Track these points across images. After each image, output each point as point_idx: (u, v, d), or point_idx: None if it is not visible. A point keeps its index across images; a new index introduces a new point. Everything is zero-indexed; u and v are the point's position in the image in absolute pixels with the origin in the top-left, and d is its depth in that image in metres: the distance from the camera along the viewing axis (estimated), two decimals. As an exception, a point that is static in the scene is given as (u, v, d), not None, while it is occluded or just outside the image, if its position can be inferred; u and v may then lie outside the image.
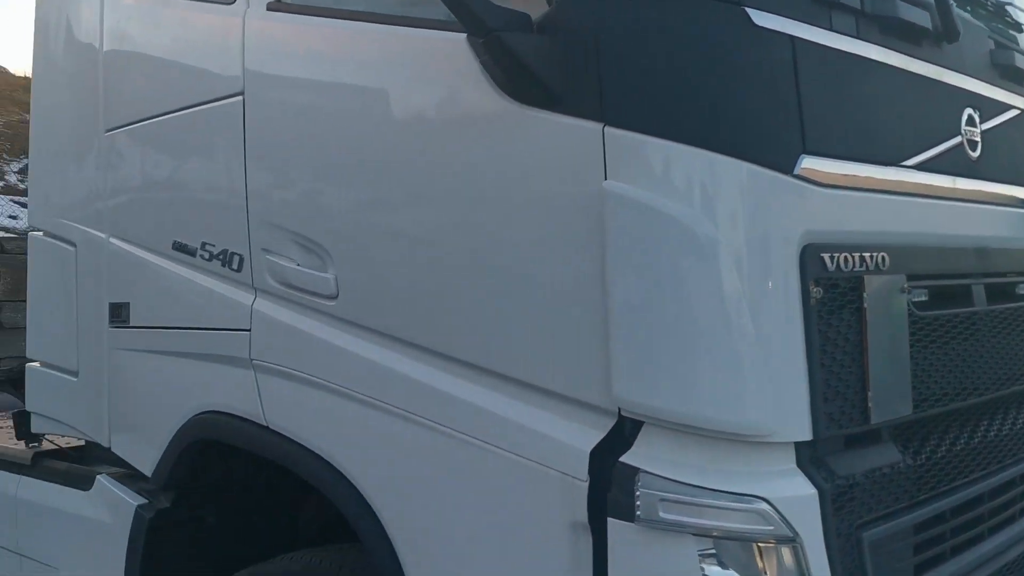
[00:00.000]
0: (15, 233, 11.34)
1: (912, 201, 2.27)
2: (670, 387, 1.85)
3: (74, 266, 3.37)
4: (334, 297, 2.42)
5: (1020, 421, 2.68)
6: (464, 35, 2.03)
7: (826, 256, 1.96)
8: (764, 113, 1.91)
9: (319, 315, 2.46)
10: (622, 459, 1.88)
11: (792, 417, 1.89)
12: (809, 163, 1.94)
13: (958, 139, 2.46)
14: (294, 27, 2.51)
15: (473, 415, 2.11)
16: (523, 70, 1.95)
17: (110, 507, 3.15)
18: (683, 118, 1.87)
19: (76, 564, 3.35)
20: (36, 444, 3.72)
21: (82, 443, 3.58)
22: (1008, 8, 2.95)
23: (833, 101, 2.05)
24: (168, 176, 3.00)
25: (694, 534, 1.82)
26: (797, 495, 1.89)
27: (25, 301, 9.08)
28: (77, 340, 3.36)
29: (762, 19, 1.91)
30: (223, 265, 2.74)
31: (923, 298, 2.24)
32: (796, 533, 1.87)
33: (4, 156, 13.92)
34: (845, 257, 1.99)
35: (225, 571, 2.99)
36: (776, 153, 1.90)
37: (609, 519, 1.88)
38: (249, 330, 2.65)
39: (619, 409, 1.91)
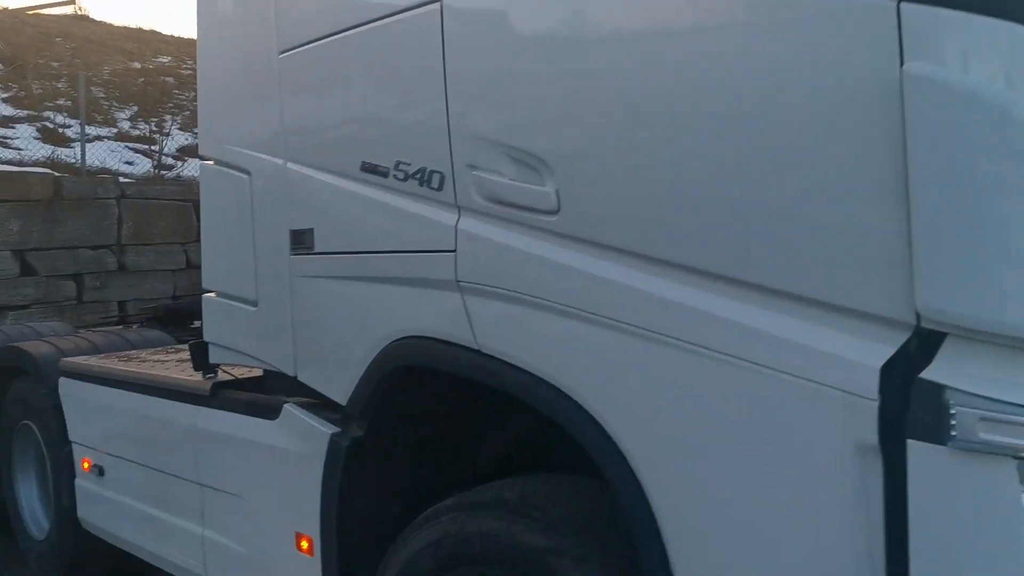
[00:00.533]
0: (133, 178, 11.57)
1: None
2: (986, 293, 1.64)
3: (249, 194, 3.30)
4: (555, 212, 2.26)
5: None
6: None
7: None
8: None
9: (537, 231, 2.31)
10: (922, 375, 1.69)
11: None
12: None
13: None
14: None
15: (734, 333, 1.94)
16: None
17: (300, 436, 3.11)
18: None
19: (262, 493, 3.34)
20: (212, 375, 3.71)
21: (259, 373, 3.55)
22: None
23: None
24: (353, 95, 2.86)
25: (1015, 456, 1.63)
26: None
27: (148, 244, 9.24)
28: (256, 269, 3.30)
29: None
30: (420, 184, 2.61)
31: None
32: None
33: (114, 104, 14.16)
34: None
35: (411, 502, 2.94)
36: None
37: (909, 441, 1.70)
38: (454, 251, 2.52)
39: (917, 321, 1.71)
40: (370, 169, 2.76)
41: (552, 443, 2.74)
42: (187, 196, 11.40)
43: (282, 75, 3.11)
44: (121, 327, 5.87)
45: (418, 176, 2.61)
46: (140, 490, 4.09)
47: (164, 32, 20.76)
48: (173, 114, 14.95)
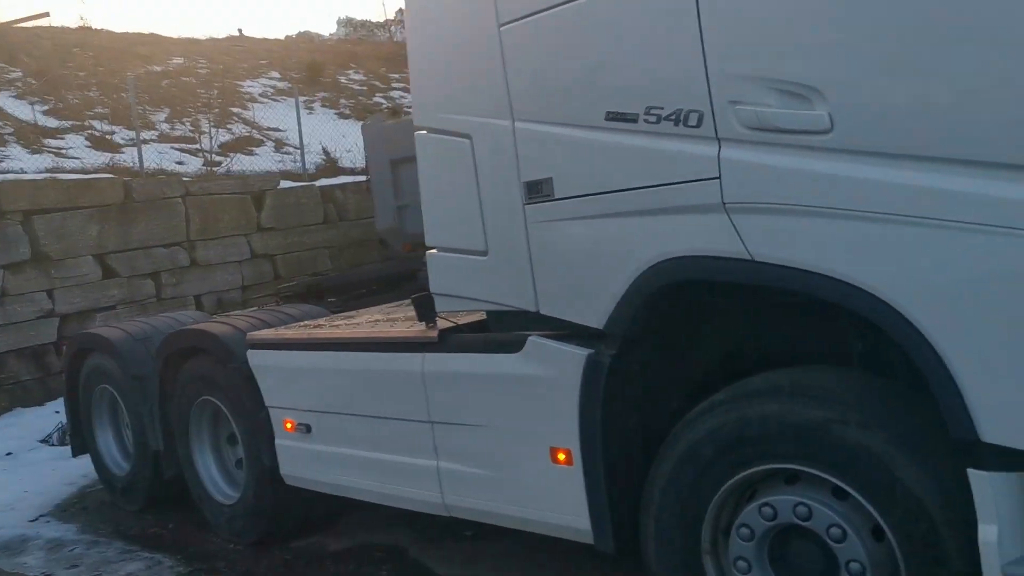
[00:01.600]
0: (191, 176, 11.90)
1: None
2: None
3: (471, 156, 3.69)
4: (828, 131, 2.67)
5: None
6: None
7: None
8: None
9: (807, 151, 2.72)
10: None
11: None
12: None
13: None
14: None
15: (1010, 207, 2.35)
16: None
17: (550, 362, 3.52)
18: None
19: (507, 418, 3.75)
20: (433, 325, 4.12)
21: (480, 318, 3.96)
22: None
23: None
24: (591, 56, 3.24)
25: None
26: None
27: (214, 239, 9.71)
28: (483, 222, 3.69)
29: None
30: (676, 124, 3.01)
31: None
32: None
33: (147, 107, 14.42)
34: None
35: (661, 413, 3.37)
36: None
37: None
38: (719, 177, 2.92)
39: None
40: (617, 117, 3.16)
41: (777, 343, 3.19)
42: (245, 189, 11.79)
43: (506, 45, 3.49)
44: (273, 305, 6.25)
45: (672, 117, 3.01)
46: (358, 438, 4.50)
47: (166, 35, 20.88)
48: (203, 112, 15.24)
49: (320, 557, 5.23)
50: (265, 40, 24.40)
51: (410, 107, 16.45)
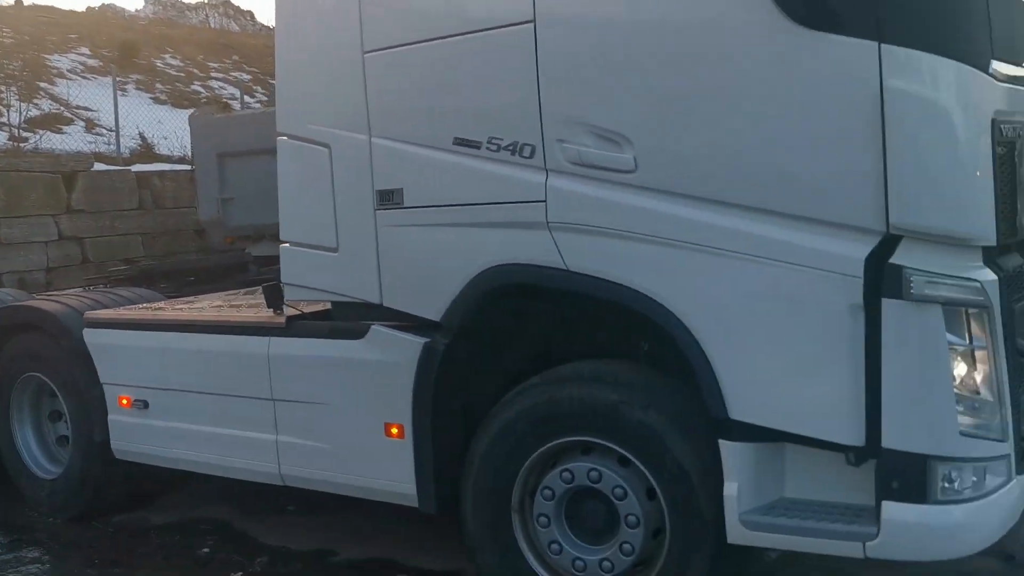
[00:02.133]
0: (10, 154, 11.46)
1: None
2: (929, 210, 2.93)
3: (328, 164, 4.16)
4: (632, 171, 3.37)
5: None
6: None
7: (1001, 124, 3.05)
8: (977, 36, 2.97)
9: (615, 185, 3.41)
10: (892, 260, 2.96)
11: (988, 228, 3.01)
12: (995, 67, 3.02)
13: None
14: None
15: (764, 242, 3.13)
16: (816, 2, 2.94)
17: (391, 348, 4.04)
18: (933, 38, 2.90)
19: (346, 397, 4.24)
20: (280, 312, 4.54)
21: (325, 308, 4.43)
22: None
23: (1001, 27, 3.12)
24: (448, 88, 3.79)
25: (941, 304, 2.94)
26: (990, 279, 3.02)
27: (19, 217, 9.64)
28: (336, 223, 4.17)
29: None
30: (512, 154, 3.62)
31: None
32: (990, 302, 3.00)
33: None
34: (1010, 127, 3.10)
35: (481, 396, 3.98)
36: (982, 58, 2.97)
37: (884, 300, 2.97)
38: (544, 201, 3.57)
39: (887, 229, 2.97)
40: (463, 143, 3.74)
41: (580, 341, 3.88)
42: (56, 168, 11.47)
43: (368, 70, 4.00)
44: (105, 287, 6.36)
45: (510, 147, 3.63)
46: (198, 414, 4.82)
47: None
48: (8, 84, 14.56)
49: (144, 530, 5.48)
50: (74, 12, 23.31)
51: (232, 99, 16.23)
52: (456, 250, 3.84)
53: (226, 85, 18.95)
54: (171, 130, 14.74)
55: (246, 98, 17.80)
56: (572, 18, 3.47)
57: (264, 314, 4.64)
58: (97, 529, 5.52)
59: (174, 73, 18.52)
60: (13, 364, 5.77)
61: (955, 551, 3.13)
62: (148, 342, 5.08)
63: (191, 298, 5.81)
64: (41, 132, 12.91)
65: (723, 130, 3.22)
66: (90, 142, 13.40)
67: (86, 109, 14.74)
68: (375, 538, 5.03)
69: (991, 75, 3.04)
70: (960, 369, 3.02)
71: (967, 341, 3.02)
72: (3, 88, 14.25)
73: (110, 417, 5.25)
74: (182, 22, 29.12)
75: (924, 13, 2.93)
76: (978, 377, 3.04)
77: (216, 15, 35.94)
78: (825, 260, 3.07)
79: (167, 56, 19.45)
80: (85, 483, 5.53)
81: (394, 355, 4.05)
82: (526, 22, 3.54)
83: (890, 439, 3.02)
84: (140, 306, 5.53)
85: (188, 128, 14.63)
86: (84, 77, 16.32)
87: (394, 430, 4.08)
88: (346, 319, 4.29)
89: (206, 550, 5.11)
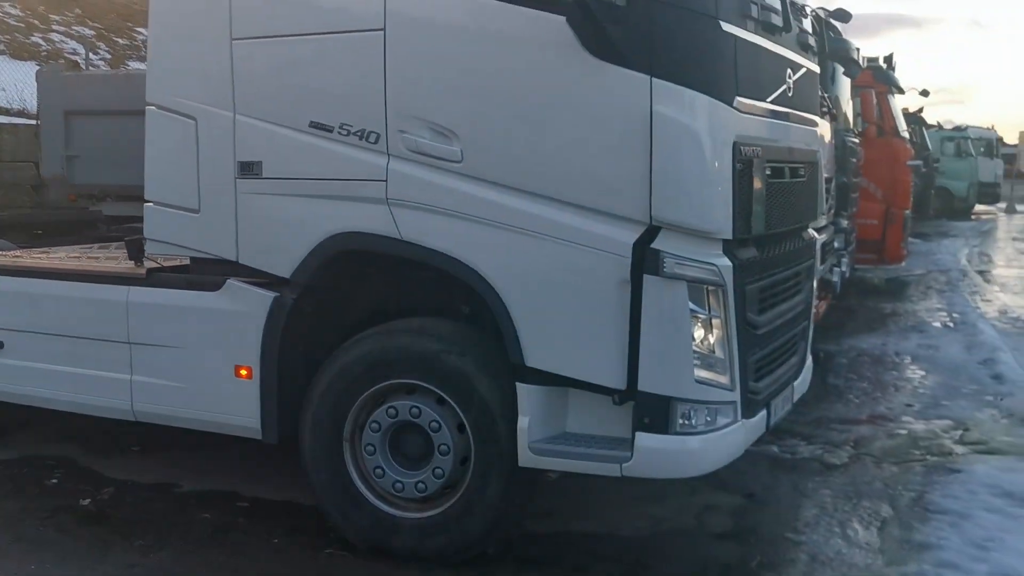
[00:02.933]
0: None
1: (769, 120, 4.36)
2: (682, 209, 3.81)
3: (194, 134, 4.68)
4: (459, 161, 4.11)
5: (800, 242, 4.96)
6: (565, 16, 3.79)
7: (742, 147, 3.98)
8: (725, 77, 3.88)
9: (445, 172, 4.14)
10: (652, 245, 3.83)
11: (726, 225, 3.93)
12: (738, 100, 3.94)
13: (786, 84, 4.58)
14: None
15: (558, 225, 3.95)
16: (607, 41, 3.76)
17: (242, 300, 4.63)
18: (692, 77, 3.78)
19: (199, 342, 4.79)
20: (140, 264, 5.03)
21: (183, 263, 4.95)
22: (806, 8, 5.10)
23: (745, 71, 4.05)
24: (303, 78, 4.41)
25: (687, 281, 3.83)
26: (726, 264, 3.94)
27: None
28: (199, 187, 4.71)
29: (726, 27, 3.86)
30: (360, 139, 4.29)
31: (769, 172, 4.35)
32: (724, 282, 3.93)
33: None
34: (748, 149, 4.03)
35: (322, 344, 4.64)
36: (728, 94, 3.88)
37: (645, 275, 3.83)
38: (385, 180, 4.26)
39: (650, 220, 3.83)
40: (317, 126, 4.37)
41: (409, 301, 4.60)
42: None
43: (235, 55, 4.55)
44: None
45: (358, 133, 4.30)
46: (54, 355, 5.23)
47: None
48: None
49: (-10, 464, 5.81)
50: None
51: (73, 55, 15.96)
52: (307, 217, 4.47)
53: (68, 40, 18.50)
54: (9, 82, 14.43)
55: (90, 55, 17.47)
56: (415, 30, 4.17)
57: (124, 265, 5.10)
58: (-59, 464, 5.81)
59: (13, 23, 17.93)
60: None
61: (690, 471, 4.07)
62: (7, 287, 5.42)
63: (46, 249, 6.14)
64: None
65: (531, 132, 4.01)
66: (-80, 88, 12.99)
67: (-85, 53, 14.21)
68: (216, 473, 5.59)
69: (735, 108, 3.96)
70: (699, 332, 3.93)
71: (706, 311, 3.94)
72: None
73: (-37, 356, 5.55)
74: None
75: (685, 57, 3.82)
76: (712, 339, 3.97)
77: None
78: (603, 242, 3.91)
79: (6, 4, 18.76)
80: (-68, 419, 5.79)
81: (247, 306, 4.64)
82: (377, 29, 4.21)
83: (644, 383, 3.90)
84: (-4, 253, 5.84)
85: (30, 81, 14.43)
86: (-87, 19, 15.65)
87: (243, 372, 4.67)
88: (203, 273, 4.83)
89: (54, 481, 5.52)
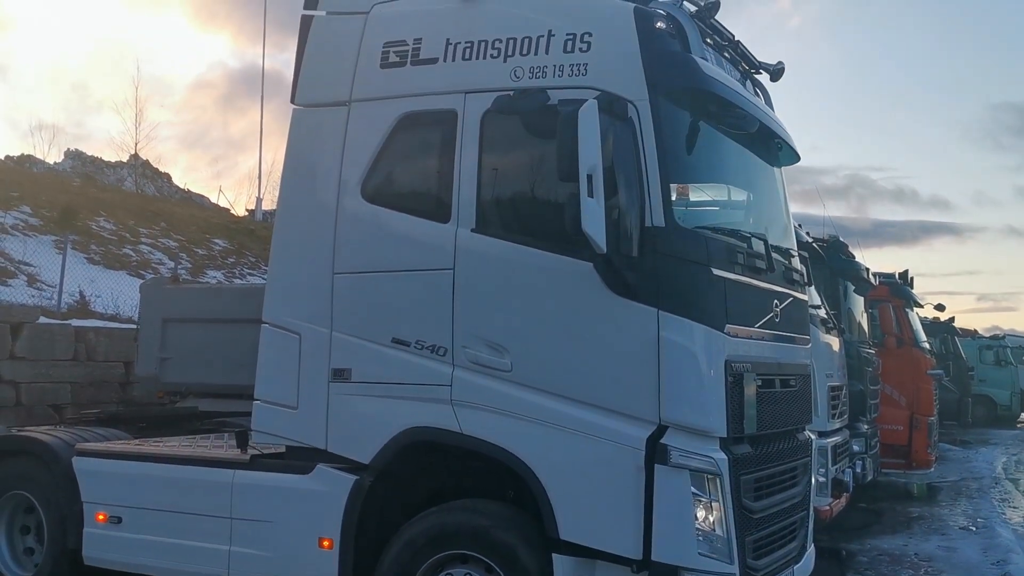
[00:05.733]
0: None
1: (760, 342, 5.44)
2: (685, 412, 4.84)
3: (297, 347, 5.87)
4: (509, 371, 5.21)
5: (794, 442, 5.91)
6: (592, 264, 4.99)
7: (733, 363, 5.04)
8: (717, 309, 5.01)
9: (497, 379, 5.24)
10: (661, 441, 4.83)
11: (721, 426, 4.93)
12: (728, 327, 5.05)
13: (773, 312, 5.69)
14: (492, 244, 5.35)
15: (586, 423, 4.97)
16: (624, 283, 4.92)
17: (330, 482, 5.64)
18: (690, 310, 4.91)
19: (290, 517, 5.77)
20: (244, 452, 6.10)
21: (280, 451, 6.02)
22: (791, 251, 6.30)
23: (734, 304, 5.18)
24: (390, 304, 5.62)
25: (690, 470, 4.80)
26: (721, 457, 4.91)
27: None
28: (298, 388, 5.84)
29: (716, 272, 5.03)
30: (431, 352, 5.44)
31: (759, 383, 5.37)
32: (721, 472, 4.88)
33: None
34: (739, 366, 5.09)
35: (390, 519, 5.59)
36: (719, 322, 4.99)
37: (656, 465, 4.81)
38: (450, 385, 5.36)
39: (660, 420, 4.85)
40: (398, 342, 5.54)
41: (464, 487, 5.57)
42: (6, 318, 12.72)
43: (335, 285, 5.80)
44: (81, 426, 7.70)
45: (430, 348, 5.45)
46: (164, 529, 6.23)
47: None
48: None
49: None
50: (18, 170, 24.81)
51: (159, 264, 17.60)
52: (386, 414, 5.56)
53: (155, 251, 20.51)
54: (104, 289, 16.14)
55: (171, 264, 19.38)
56: (478, 269, 5.39)
57: (231, 453, 6.19)
58: (55, 625, 6.69)
59: (107, 236, 20.01)
60: (2, 483, 7.05)
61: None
62: (130, 470, 6.52)
63: (159, 439, 7.26)
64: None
65: (565, 349, 5.13)
66: (32, 296, 14.67)
67: (27, 264, 16.06)
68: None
69: (726, 333, 5.06)
70: (701, 513, 4.86)
71: (707, 495, 4.87)
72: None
73: (85, 530, 6.57)
74: (99, 178, 30.70)
75: (684, 295, 4.97)
76: (712, 519, 4.88)
77: (132, 174, 37.62)
78: (622, 437, 4.92)
79: (100, 219, 20.98)
80: (52, 584, 6.75)
81: (332, 487, 5.65)
82: (448, 269, 5.44)
83: (657, 554, 4.80)
84: (122, 442, 6.97)
85: (122, 289, 16.16)
86: (25, 235, 17.69)
87: (325, 543, 5.62)
88: (297, 459, 5.88)
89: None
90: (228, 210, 31.65)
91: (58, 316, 14.09)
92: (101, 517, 6.53)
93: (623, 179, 4.96)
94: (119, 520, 6.45)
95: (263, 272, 21.95)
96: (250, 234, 25.93)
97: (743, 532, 5.04)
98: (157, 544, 6.28)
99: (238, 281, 18.33)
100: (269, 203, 37.79)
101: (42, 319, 13.35)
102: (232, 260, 22.51)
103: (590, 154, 4.79)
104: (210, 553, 6.04)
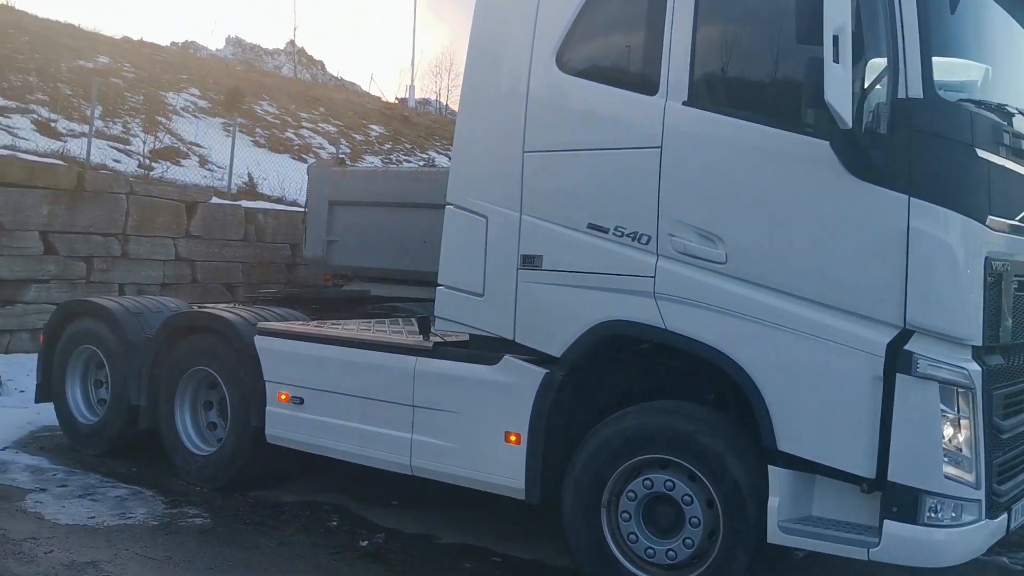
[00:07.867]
0: (133, 177, 13.01)
1: (1019, 238, 4.66)
2: (936, 316, 4.18)
3: (484, 231, 5.47)
4: (723, 263, 4.65)
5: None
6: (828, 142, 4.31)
7: (992, 261, 4.31)
8: (979, 198, 4.26)
9: (709, 271, 4.69)
10: (906, 347, 4.21)
11: (976, 333, 4.25)
12: (991, 220, 4.30)
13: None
14: (706, 119, 4.73)
15: (815, 324, 4.39)
16: (868, 164, 4.24)
17: (519, 374, 5.30)
18: (948, 198, 4.19)
19: (478, 409, 5.48)
20: (427, 338, 5.83)
21: (463, 339, 5.72)
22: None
23: (997, 192, 4.41)
24: (586, 186, 5.11)
25: (939, 382, 4.17)
26: (976, 369, 4.25)
27: (146, 236, 11.42)
28: (484, 275, 5.47)
29: (981, 153, 4.26)
30: (633, 240, 4.93)
31: (1016, 285, 4.62)
32: (974, 386, 4.23)
33: (81, 102, 15.31)
34: (999, 263, 4.35)
35: (580, 417, 5.21)
36: (981, 214, 4.26)
37: (898, 375, 4.20)
38: (653, 276, 4.85)
39: (904, 324, 4.22)
40: (595, 228, 5.05)
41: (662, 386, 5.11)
42: (182, 198, 13.02)
43: (526, 165, 5.33)
44: (260, 304, 7.68)
45: (631, 235, 4.93)
46: (346, 412, 6.09)
47: (87, 28, 21.59)
48: (131, 116, 16.26)
49: (278, 505, 6.71)
50: (181, 53, 25.33)
51: (319, 148, 17.76)
52: (580, 305, 5.12)
53: (315, 136, 20.65)
54: (270, 171, 16.32)
55: (331, 148, 19.45)
56: (689, 147, 4.79)
57: (412, 338, 5.93)
58: (239, 499, 6.76)
59: (271, 120, 20.25)
60: (184, 359, 7.09)
61: (933, 562, 4.31)
62: (311, 351, 6.39)
63: (338, 321, 7.12)
64: (164, 163, 14.50)
65: (793, 241, 4.51)
66: (204, 176, 14.98)
67: (198, 146, 16.39)
68: (471, 530, 6.23)
69: (988, 226, 4.32)
70: (948, 431, 4.23)
71: (955, 411, 4.24)
72: (129, 119, 15.95)
73: (268, 408, 6.53)
74: (275, 72, 31.20)
75: (942, 179, 4.23)
76: (960, 438, 4.25)
77: (290, 60, 38.19)
78: (858, 341, 4.32)
79: (264, 103, 21.23)
80: (235, 460, 6.80)
81: (520, 379, 5.31)
82: (655, 147, 4.87)
83: (894, 474, 4.23)
84: (301, 322, 6.86)
85: (288, 172, 16.28)
86: (195, 116, 18.04)
87: (512, 438, 5.32)
88: (483, 349, 5.56)
89: (334, 523, 6.33)
90: (380, 97, 31.69)
91: (228, 197, 14.33)
92: (283, 397, 6.45)
93: (873, 41, 4.23)
94: (301, 401, 6.36)
95: (419, 159, 21.84)
96: (404, 120, 25.83)
97: (991, 453, 4.40)
98: (339, 427, 6.16)
99: (394, 167, 18.22)
100: (420, 92, 37.65)
101: (214, 199, 13.59)
102: (388, 146, 22.48)
103: (839, 9, 4.07)
104: (392, 440, 5.87)
